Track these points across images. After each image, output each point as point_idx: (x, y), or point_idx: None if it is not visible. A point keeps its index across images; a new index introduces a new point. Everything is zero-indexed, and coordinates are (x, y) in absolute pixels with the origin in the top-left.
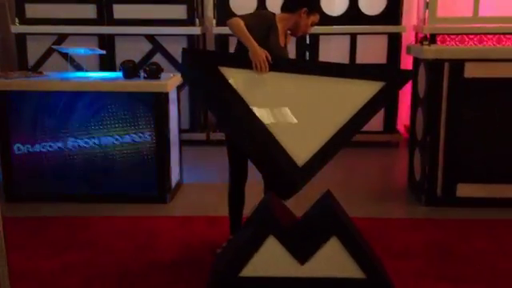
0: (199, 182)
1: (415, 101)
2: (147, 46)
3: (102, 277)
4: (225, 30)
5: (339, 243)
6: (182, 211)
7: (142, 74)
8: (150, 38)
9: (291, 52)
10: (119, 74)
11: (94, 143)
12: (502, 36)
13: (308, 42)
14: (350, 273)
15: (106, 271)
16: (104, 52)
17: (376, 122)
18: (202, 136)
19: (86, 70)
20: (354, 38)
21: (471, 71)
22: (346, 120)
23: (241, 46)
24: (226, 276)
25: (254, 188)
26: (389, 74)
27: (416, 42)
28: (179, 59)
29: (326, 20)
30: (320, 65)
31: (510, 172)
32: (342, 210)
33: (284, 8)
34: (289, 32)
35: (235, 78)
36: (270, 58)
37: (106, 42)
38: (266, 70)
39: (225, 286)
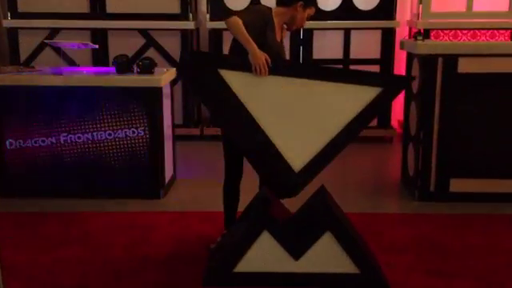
0: (193, 177)
1: (409, 96)
2: (140, 41)
3: (95, 272)
4: (219, 24)
5: (333, 238)
6: (175, 206)
7: (135, 68)
8: (144, 32)
9: (285, 47)
10: (112, 68)
11: (87, 138)
12: (495, 31)
13: (302, 36)
14: (344, 268)
15: (99, 266)
16: (97, 46)
17: None
18: (195, 131)
19: (79, 65)
20: (347, 32)
21: (465, 66)
22: (344, 125)
23: (236, 43)
24: (220, 271)
25: (249, 184)
26: (386, 80)
27: (410, 37)
28: (172, 54)
29: (320, 15)
30: (319, 69)
31: (503, 167)
32: (336, 206)
33: (280, 2)
34: (285, 26)
35: (235, 80)
36: (269, 62)
37: (99, 36)
38: (265, 74)
39: (219, 281)
